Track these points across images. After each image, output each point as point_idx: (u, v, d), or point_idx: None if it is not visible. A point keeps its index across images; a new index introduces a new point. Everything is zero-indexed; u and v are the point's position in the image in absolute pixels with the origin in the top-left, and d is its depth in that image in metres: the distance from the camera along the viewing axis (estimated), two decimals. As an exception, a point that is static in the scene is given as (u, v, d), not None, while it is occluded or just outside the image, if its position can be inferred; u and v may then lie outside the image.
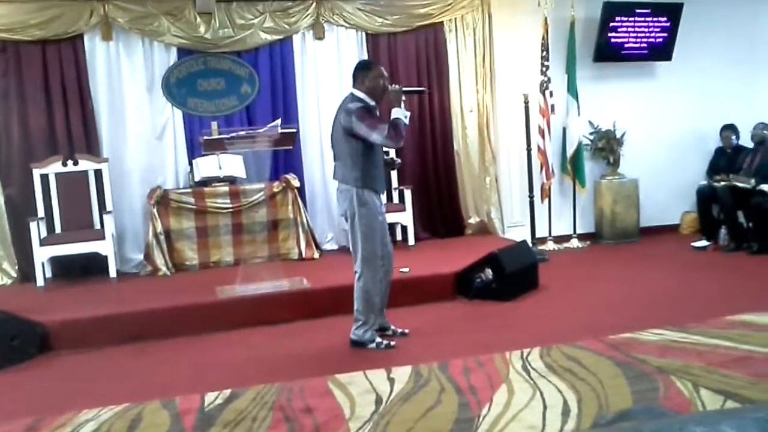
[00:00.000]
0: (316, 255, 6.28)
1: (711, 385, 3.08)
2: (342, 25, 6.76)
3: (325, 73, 6.75)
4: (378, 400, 3.16)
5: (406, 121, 3.98)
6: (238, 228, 6.12)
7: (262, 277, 5.05)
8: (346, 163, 4.04)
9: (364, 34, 6.83)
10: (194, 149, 6.34)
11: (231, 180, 6.20)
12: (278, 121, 5.24)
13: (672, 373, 3.25)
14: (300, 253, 6.21)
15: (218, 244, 6.13)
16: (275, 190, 6.19)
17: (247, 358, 4.12)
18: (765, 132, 6.68)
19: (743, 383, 3.08)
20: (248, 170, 6.19)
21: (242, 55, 6.59)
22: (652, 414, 1.49)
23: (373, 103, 4.07)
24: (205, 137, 5.32)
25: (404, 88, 4.12)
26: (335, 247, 6.82)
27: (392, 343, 4.16)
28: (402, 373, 3.50)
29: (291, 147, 5.46)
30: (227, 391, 3.38)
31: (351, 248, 4.23)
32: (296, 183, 6.28)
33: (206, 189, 6.12)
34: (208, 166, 6.16)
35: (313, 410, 3.09)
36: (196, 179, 6.21)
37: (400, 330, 4.35)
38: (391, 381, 3.40)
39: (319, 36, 6.70)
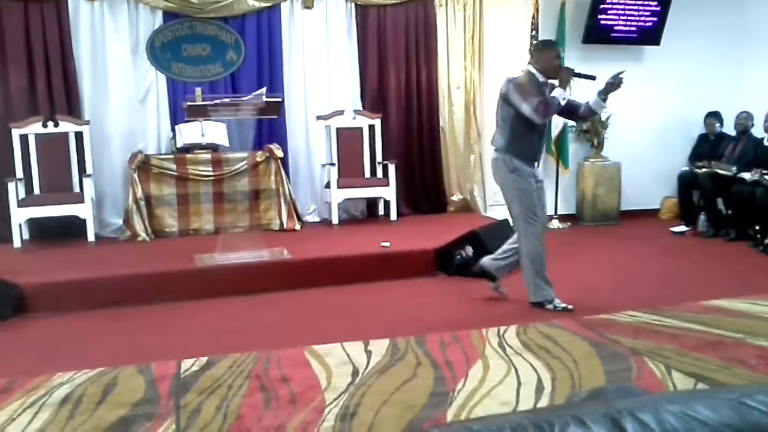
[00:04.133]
0: (298, 226, 6.27)
1: (683, 367, 3.12)
2: (331, -5, 6.69)
3: (313, 43, 6.69)
4: (354, 372, 3.17)
5: (563, 102, 4.11)
6: (219, 196, 6.08)
7: (242, 246, 5.03)
8: (499, 129, 4.25)
9: (353, 5, 6.76)
10: (177, 115, 6.27)
11: (213, 147, 6.15)
12: (263, 90, 5.18)
13: (645, 355, 3.29)
14: (281, 224, 6.19)
15: (199, 211, 6.09)
16: (258, 159, 6.15)
17: (225, 326, 4.11)
18: (748, 121, 6.73)
19: (714, 367, 3.13)
20: (231, 138, 6.14)
21: (229, 21, 6.50)
22: (625, 393, 1.50)
23: (542, 79, 4.19)
24: (189, 103, 5.26)
25: (575, 72, 4.23)
26: (317, 219, 6.81)
27: (570, 306, 4.19)
28: (379, 346, 3.51)
29: (275, 116, 5.41)
30: (204, 359, 3.37)
31: (510, 215, 4.39)
32: (280, 153, 6.24)
33: (188, 156, 6.07)
34: (190, 132, 6.09)
35: (290, 380, 3.09)
36: (179, 145, 6.15)
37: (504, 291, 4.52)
38: (368, 353, 3.42)
39: (308, 5, 6.62)
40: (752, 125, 6.75)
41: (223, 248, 4.99)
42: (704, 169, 6.65)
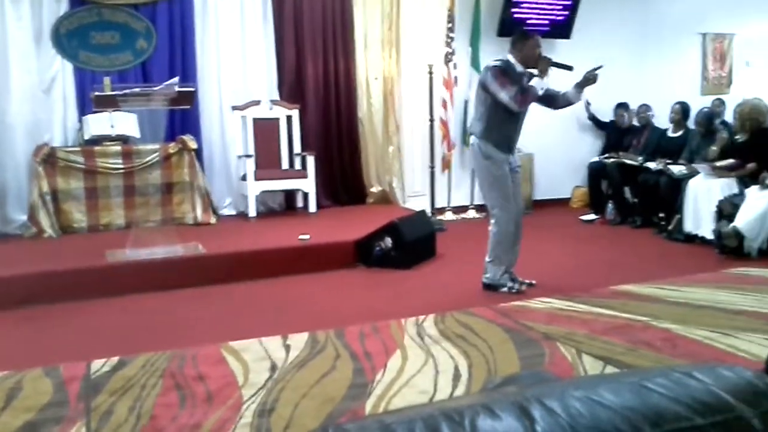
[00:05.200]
0: (213, 220, 6.14)
1: (593, 351, 3.24)
2: (246, -17, 6.56)
3: (227, 32, 6.56)
4: (273, 367, 3.13)
5: (540, 92, 4.19)
6: (130, 190, 5.88)
7: (155, 241, 4.89)
8: (476, 116, 4.33)
9: (269, -7, 6.65)
10: (85, 105, 6.01)
11: (123, 139, 5.94)
12: (176, 79, 5.05)
13: (557, 340, 3.40)
14: (195, 218, 6.05)
15: (108, 206, 5.87)
16: (171, 151, 5.98)
17: (138, 324, 3.99)
18: (648, 113, 7.06)
19: (622, 350, 3.25)
20: (142, 129, 5.95)
21: (139, 8, 6.28)
22: (537, 379, 1.55)
23: (521, 69, 4.23)
24: (97, 93, 5.06)
25: (553, 61, 4.27)
26: (233, 212, 6.69)
27: (523, 288, 4.38)
28: (298, 340, 3.48)
29: (188, 107, 5.29)
30: (115, 359, 3.26)
31: (483, 200, 4.52)
32: (193, 145, 6.09)
33: (97, 148, 5.84)
34: (99, 123, 5.87)
35: (206, 377, 3.03)
36: (86, 137, 5.92)
37: (527, 281, 4.51)
38: (287, 347, 3.38)
39: (222, -8, 6.48)
40: (653, 116, 7.08)
41: (135, 243, 4.83)
42: (612, 160, 6.91)
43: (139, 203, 5.89)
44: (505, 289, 4.37)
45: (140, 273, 4.63)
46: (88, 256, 4.85)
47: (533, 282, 4.55)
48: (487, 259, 4.44)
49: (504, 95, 4.11)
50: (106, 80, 5.87)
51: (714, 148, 5.96)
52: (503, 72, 4.17)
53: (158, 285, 4.57)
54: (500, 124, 4.23)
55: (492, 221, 4.40)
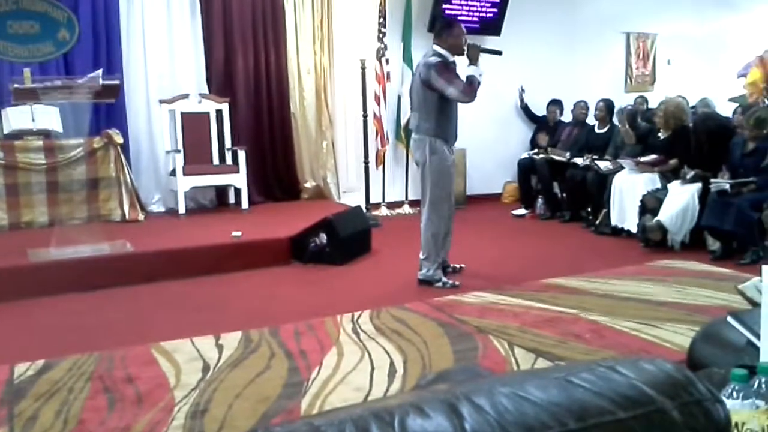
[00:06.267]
0: (141, 217, 5.99)
1: (524, 344, 3.30)
2: (173, -27, 6.40)
3: (154, 23, 6.38)
4: (205, 368, 3.08)
5: (480, 79, 4.24)
6: (53, 186, 5.66)
7: (80, 239, 4.73)
8: (421, 114, 4.33)
9: (196, -18, 6.51)
10: (3, 98, 5.75)
11: (45, 133, 5.73)
12: (99, 72, 4.89)
13: (490, 333, 3.45)
14: (123, 215, 5.89)
15: (31, 203, 5.65)
16: (96, 146, 5.79)
17: (63, 326, 3.86)
18: (585, 112, 7.20)
19: (553, 342, 3.33)
20: (65, 124, 5.74)
21: (60, -4, 6.05)
22: (468, 374, 1.57)
23: (452, 59, 4.33)
24: (17, 85, 4.86)
25: (482, 47, 4.33)
26: (162, 209, 6.54)
27: (457, 283, 4.43)
28: (231, 339, 3.43)
29: (113, 100, 5.14)
30: (40, 362, 3.14)
31: (421, 195, 4.50)
32: (119, 139, 5.91)
33: (17, 143, 5.61)
34: (19, 117, 5.64)
35: (135, 379, 2.95)
36: (6, 131, 5.68)
37: (458, 265, 4.72)
38: (220, 347, 3.33)
39: (148, -20, 6.30)
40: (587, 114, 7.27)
41: (59, 242, 4.67)
42: (541, 155, 7.07)
43: (63, 200, 5.68)
44: (439, 284, 4.42)
45: (65, 272, 4.48)
46: (9, 256, 4.66)
47: (462, 266, 4.70)
48: (421, 255, 4.48)
49: (453, 90, 4.18)
50: (26, 72, 5.64)
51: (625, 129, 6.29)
52: (446, 67, 4.24)
53: (84, 285, 4.43)
54: (446, 119, 4.33)
55: (425, 217, 4.44)
